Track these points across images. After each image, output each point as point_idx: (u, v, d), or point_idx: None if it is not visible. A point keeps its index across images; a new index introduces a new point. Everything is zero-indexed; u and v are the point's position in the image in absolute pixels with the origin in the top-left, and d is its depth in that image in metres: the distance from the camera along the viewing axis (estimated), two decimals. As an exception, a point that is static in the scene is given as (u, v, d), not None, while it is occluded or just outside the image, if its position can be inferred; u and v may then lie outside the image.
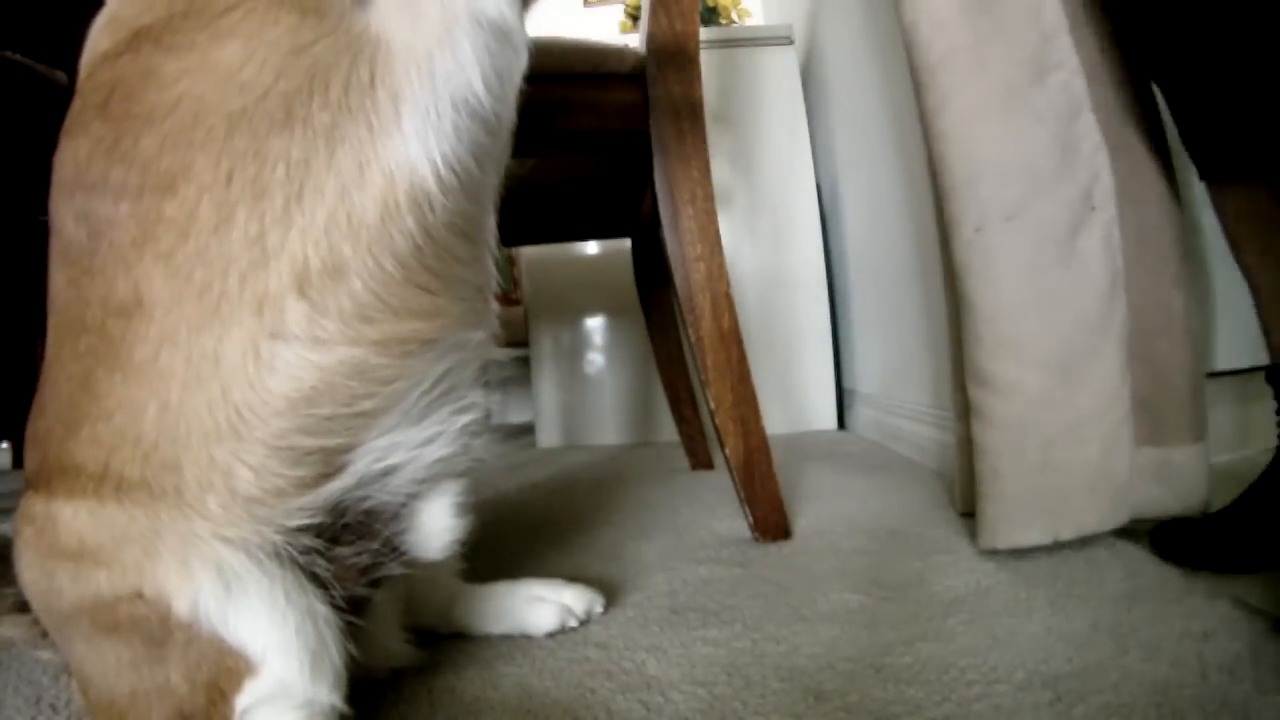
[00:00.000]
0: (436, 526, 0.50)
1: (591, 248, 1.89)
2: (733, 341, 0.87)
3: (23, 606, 0.45)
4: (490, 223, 0.52)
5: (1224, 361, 1.10)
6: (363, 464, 0.44)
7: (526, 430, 2.02)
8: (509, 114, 0.50)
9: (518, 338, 2.02)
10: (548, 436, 1.89)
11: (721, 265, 0.88)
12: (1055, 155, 0.75)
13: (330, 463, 0.43)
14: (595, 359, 1.89)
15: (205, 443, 0.39)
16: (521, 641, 0.60)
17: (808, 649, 0.55)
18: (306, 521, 0.42)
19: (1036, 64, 0.75)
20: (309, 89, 0.41)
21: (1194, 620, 0.55)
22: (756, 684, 0.50)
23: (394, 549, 0.49)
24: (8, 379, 2.07)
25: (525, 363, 1.99)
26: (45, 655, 0.47)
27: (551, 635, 0.61)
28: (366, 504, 0.46)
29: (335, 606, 0.44)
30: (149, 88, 0.41)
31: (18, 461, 2.48)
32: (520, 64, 0.49)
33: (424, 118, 0.42)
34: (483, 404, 0.51)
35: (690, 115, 0.88)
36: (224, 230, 0.40)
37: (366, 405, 0.43)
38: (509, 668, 0.55)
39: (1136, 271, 0.77)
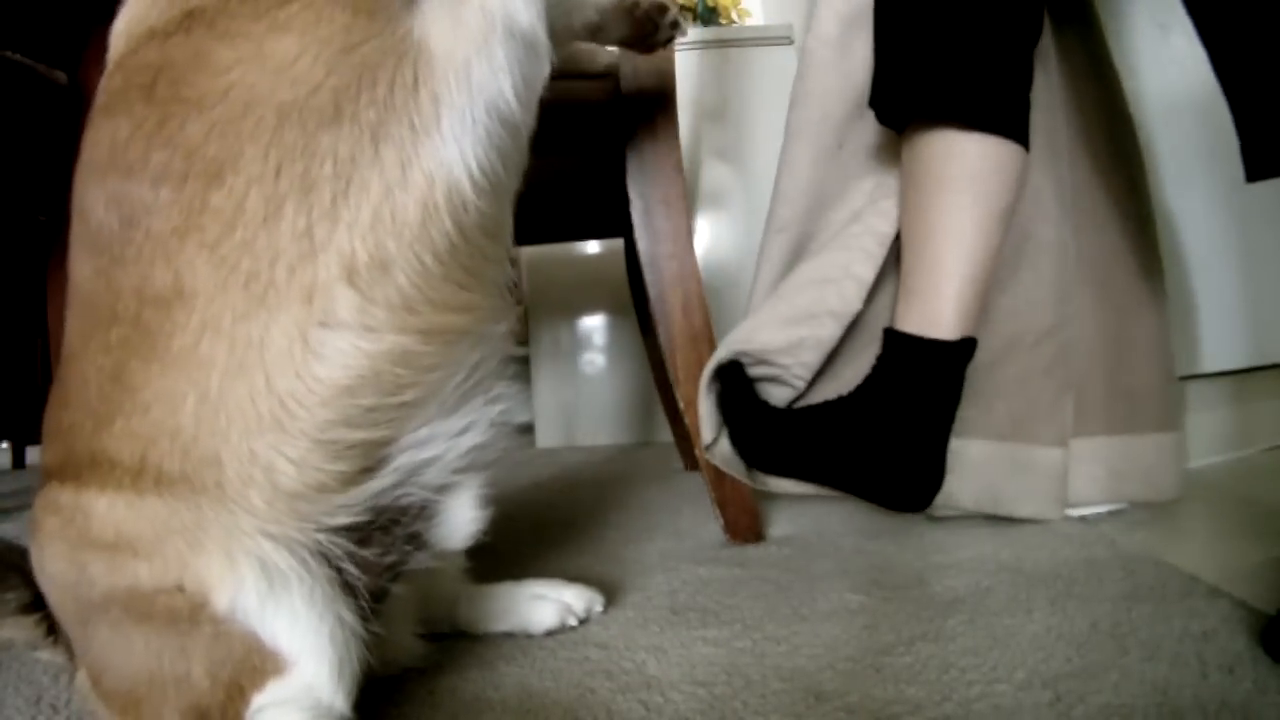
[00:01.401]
0: (461, 518, 0.51)
1: (592, 247, 1.89)
2: (704, 341, 0.86)
3: (25, 609, 0.45)
4: (510, 223, 0.54)
5: (1220, 362, 1.10)
6: (403, 459, 0.45)
7: (526, 430, 2.01)
8: (531, 120, 0.52)
9: (518, 338, 2.02)
10: (548, 436, 1.89)
11: (693, 264, 0.87)
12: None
13: (371, 456, 0.44)
14: (595, 359, 1.89)
15: (246, 436, 0.39)
16: (522, 641, 0.60)
17: (808, 649, 0.55)
18: (349, 520, 0.43)
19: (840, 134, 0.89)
20: (357, 86, 0.42)
21: (1194, 620, 0.55)
22: (756, 684, 0.50)
23: (418, 542, 0.49)
24: (8, 379, 2.07)
25: (525, 363, 1.99)
26: (45, 656, 0.47)
27: (552, 634, 0.61)
28: (403, 500, 0.47)
29: (360, 615, 0.44)
30: (200, 73, 0.41)
31: (18, 461, 2.48)
32: (543, 73, 0.51)
33: (460, 121, 0.44)
34: (509, 395, 0.52)
35: (663, 113, 0.88)
36: (272, 222, 0.40)
37: (409, 395, 0.44)
38: (510, 667, 0.55)
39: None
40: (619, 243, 1.86)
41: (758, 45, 1.88)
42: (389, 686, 0.53)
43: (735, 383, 0.83)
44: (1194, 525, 0.86)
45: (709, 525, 0.94)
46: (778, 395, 0.88)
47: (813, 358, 0.85)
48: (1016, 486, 0.85)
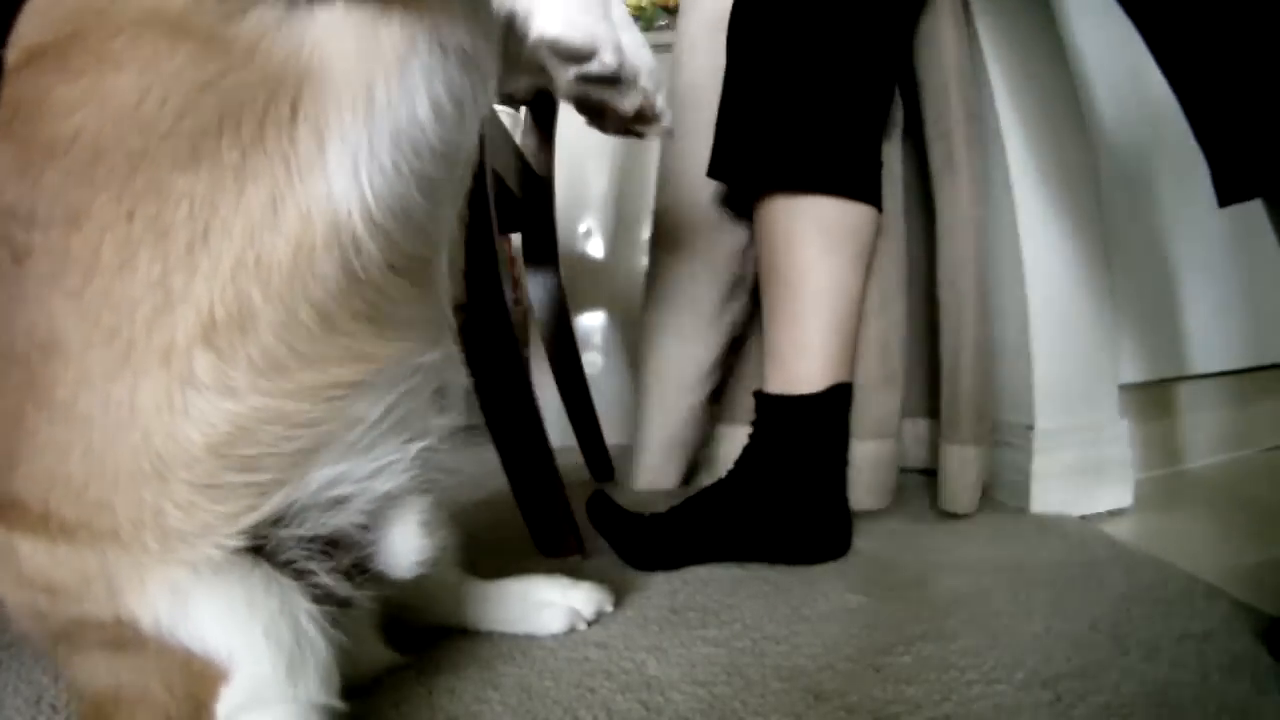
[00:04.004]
0: (404, 547, 0.48)
1: (592, 248, 1.89)
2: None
3: None
4: (442, 262, 0.48)
5: (1220, 362, 1.10)
6: (306, 495, 0.42)
7: (526, 430, 2.02)
8: (467, 142, 0.47)
9: (518, 338, 2.01)
10: (558, 435, 1.89)
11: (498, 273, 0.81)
12: None
13: (265, 493, 0.41)
14: (595, 359, 1.89)
15: (133, 484, 0.38)
16: (522, 641, 0.60)
17: (808, 649, 0.55)
18: (248, 543, 0.41)
19: None
20: (218, 129, 0.37)
21: (1194, 620, 0.55)
22: (756, 684, 0.50)
23: (364, 572, 0.47)
24: None
25: (525, 363, 1.98)
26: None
27: (554, 635, 0.61)
28: (325, 528, 0.44)
29: (318, 600, 0.43)
30: (45, 115, 0.38)
31: None
32: (487, 90, 0.45)
33: (354, 153, 0.39)
34: (442, 425, 0.49)
35: None
36: (127, 271, 0.37)
37: (292, 446, 0.41)
38: (509, 667, 0.55)
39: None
40: (618, 243, 1.86)
41: (757, 45, 1.88)
42: (388, 687, 0.53)
43: (598, 504, 0.81)
44: (1194, 525, 0.86)
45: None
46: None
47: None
48: (851, 477, 0.90)
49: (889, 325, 0.92)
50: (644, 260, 1.85)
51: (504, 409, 0.80)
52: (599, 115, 0.57)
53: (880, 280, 0.92)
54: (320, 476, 0.42)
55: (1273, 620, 0.52)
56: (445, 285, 0.49)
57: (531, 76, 0.59)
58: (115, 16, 0.37)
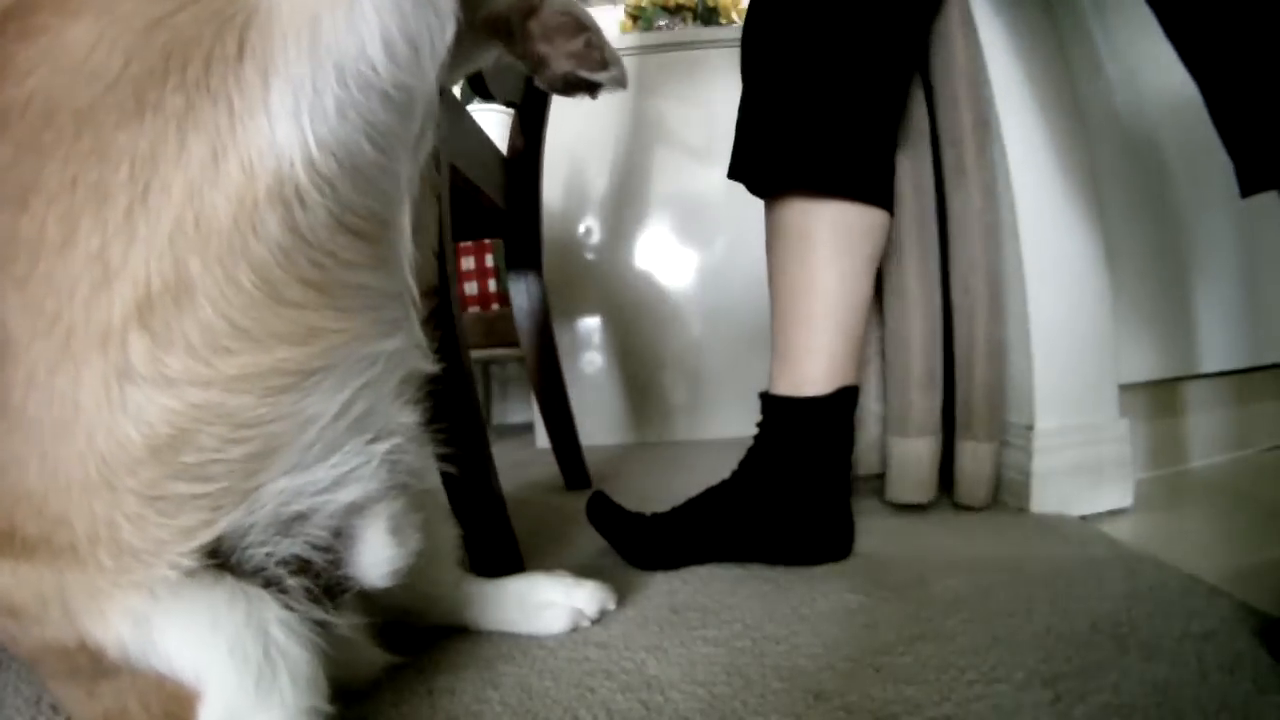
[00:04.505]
0: (374, 559, 0.45)
1: (591, 248, 1.89)
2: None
3: None
4: (404, 220, 0.45)
5: (1220, 362, 1.10)
6: (266, 510, 0.40)
7: (526, 430, 2.01)
8: (425, 88, 0.42)
9: (517, 338, 2.01)
10: (547, 437, 1.89)
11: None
12: None
13: (219, 507, 0.39)
14: (594, 359, 1.89)
15: (85, 495, 0.36)
16: (522, 641, 0.60)
17: (808, 649, 0.55)
18: (207, 562, 0.39)
19: None
20: (164, 70, 0.34)
21: (1194, 620, 0.55)
22: (756, 684, 0.50)
23: (342, 589, 0.46)
24: None
25: (524, 363, 1.98)
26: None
27: (555, 635, 0.61)
28: (288, 549, 0.42)
29: (292, 608, 0.41)
30: (4, 82, 0.36)
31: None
32: (445, 32, 0.41)
33: (297, 93, 0.36)
34: (410, 423, 0.46)
35: None
36: (69, 247, 0.35)
37: (240, 451, 0.38)
38: (509, 667, 0.55)
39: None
40: (616, 242, 1.86)
41: (758, 45, 1.88)
42: (387, 687, 0.53)
43: (599, 504, 0.82)
44: (1194, 525, 0.86)
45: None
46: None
47: None
48: (895, 473, 0.94)
49: (928, 321, 0.92)
50: (644, 260, 1.85)
51: (446, 423, 0.75)
52: (544, 66, 0.55)
53: (920, 275, 0.92)
54: (276, 489, 0.40)
55: (1273, 620, 0.52)
56: (408, 255, 0.46)
57: (492, 40, 0.56)
58: None
